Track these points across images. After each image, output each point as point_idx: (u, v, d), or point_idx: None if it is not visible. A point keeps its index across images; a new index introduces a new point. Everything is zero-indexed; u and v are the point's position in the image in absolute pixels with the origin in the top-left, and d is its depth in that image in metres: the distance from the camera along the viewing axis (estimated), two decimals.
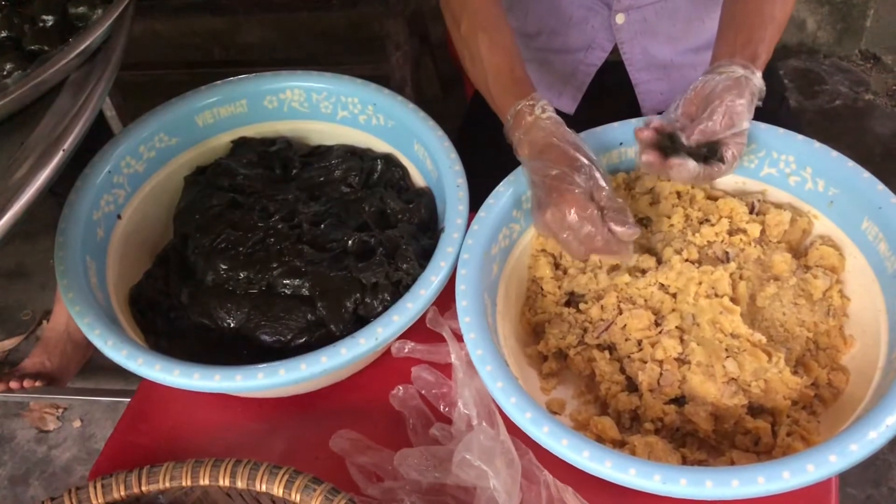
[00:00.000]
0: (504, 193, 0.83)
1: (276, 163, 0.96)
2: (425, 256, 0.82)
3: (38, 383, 1.56)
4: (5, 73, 0.73)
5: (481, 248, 0.79)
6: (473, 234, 0.80)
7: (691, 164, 0.76)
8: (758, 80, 0.79)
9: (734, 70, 0.78)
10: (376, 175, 0.95)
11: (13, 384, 1.55)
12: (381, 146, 0.98)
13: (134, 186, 0.91)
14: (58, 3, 0.79)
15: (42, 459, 1.59)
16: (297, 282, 0.81)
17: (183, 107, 0.94)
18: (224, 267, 0.81)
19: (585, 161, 0.77)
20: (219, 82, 0.96)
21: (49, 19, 0.78)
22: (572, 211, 0.74)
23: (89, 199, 0.85)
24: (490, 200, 0.83)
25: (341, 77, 0.97)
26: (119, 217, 0.89)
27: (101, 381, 1.69)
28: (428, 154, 0.90)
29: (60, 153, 0.68)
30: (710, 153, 0.77)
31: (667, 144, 0.79)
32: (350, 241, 0.84)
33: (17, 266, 1.95)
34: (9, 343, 1.80)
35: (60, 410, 1.67)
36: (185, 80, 2.18)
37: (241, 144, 0.97)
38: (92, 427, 1.64)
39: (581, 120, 1.04)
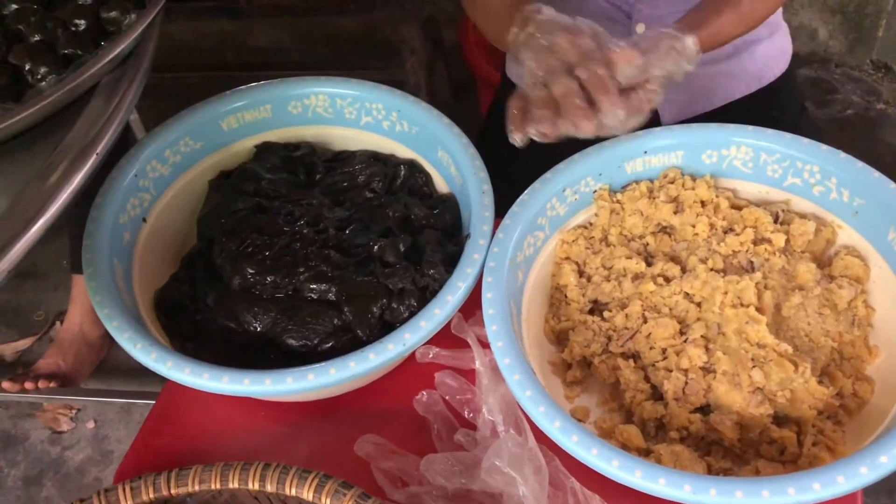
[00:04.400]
0: (530, 201, 0.84)
1: (300, 168, 0.96)
2: (450, 263, 0.83)
3: (52, 384, 1.57)
4: (39, 76, 0.74)
5: (507, 256, 0.79)
6: (499, 242, 0.80)
7: (605, 105, 0.73)
8: (689, 41, 0.76)
9: (666, 30, 0.77)
10: (399, 181, 0.95)
11: (28, 385, 1.55)
12: (404, 152, 0.98)
13: (159, 190, 0.92)
14: (90, 7, 0.79)
15: (55, 460, 1.60)
16: (323, 286, 0.81)
17: (208, 111, 0.94)
18: (251, 271, 0.82)
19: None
20: (243, 87, 0.96)
21: (82, 23, 0.78)
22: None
23: (116, 202, 0.85)
24: (515, 208, 0.83)
25: (366, 83, 0.97)
26: (144, 220, 0.90)
27: (115, 383, 1.70)
28: (452, 160, 0.90)
29: (94, 157, 0.69)
30: None
31: None
32: (376, 247, 0.84)
33: (30, 267, 1.96)
34: (22, 343, 1.81)
35: (74, 411, 1.67)
36: (198, 82, 2.20)
37: (264, 149, 0.98)
38: (105, 428, 1.64)
39: None
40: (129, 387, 1.67)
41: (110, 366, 1.73)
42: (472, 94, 2.04)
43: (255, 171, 0.94)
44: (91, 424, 1.65)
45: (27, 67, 0.75)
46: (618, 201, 0.88)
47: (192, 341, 0.82)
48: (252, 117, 0.97)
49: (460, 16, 1.85)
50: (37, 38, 0.78)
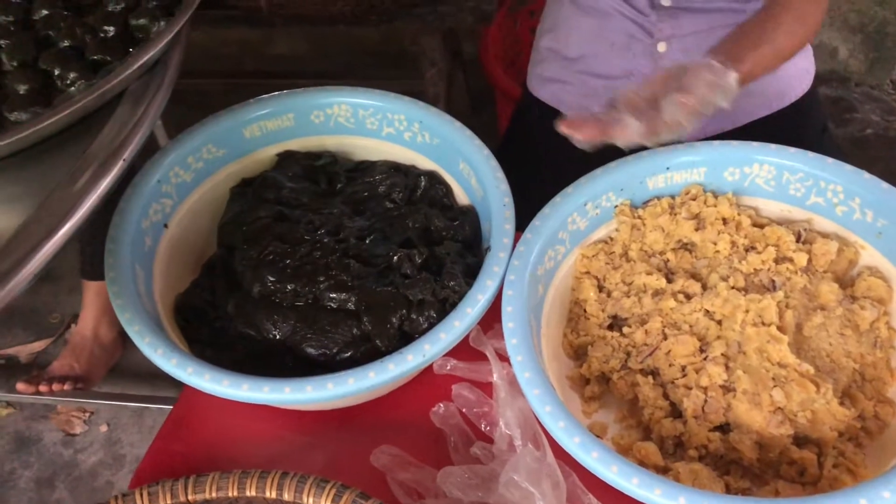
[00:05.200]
0: (551, 215, 0.84)
1: (322, 177, 0.96)
2: (469, 275, 0.83)
3: (66, 386, 1.57)
4: (69, 81, 0.74)
5: (528, 269, 0.79)
6: (520, 255, 0.80)
7: (631, 120, 0.74)
8: (731, 77, 0.77)
9: (708, 61, 0.77)
10: (419, 192, 0.95)
11: (42, 387, 1.56)
12: (424, 163, 0.98)
13: (181, 196, 0.92)
14: (119, 14, 0.80)
15: (68, 463, 1.60)
16: (343, 296, 0.81)
17: (231, 119, 0.95)
18: (271, 279, 0.82)
19: None
20: (266, 96, 0.97)
21: (110, 30, 0.79)
22: None
23: (139, 207, 0.86)
24: (536, 222, 0.83)
25: (388, 94, 0.97)
26: (166, 226, 0.90)
27: (128, 387, 1.70)
28: (473, 172, 0.90)
29: (121, 163, 0.69)
30: None
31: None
32: (395, 257, 0.84)
33: (46, 269, 1.97)
34: (37, 346, 1.82)
35: (87, 414, 1.68)
36: (217, 89, 2.21)
37: (286, 158, 0.98)
38: (118, 432, 1.64)
39: None
40: (143, 391, 1.68)
41: (124, 369, 1.73)
42: (491, 105, 2.04)
43: (276, 179, 0.94)
44: (104, 428, 1.66)
45: (57, 73, 0.76)
46: (639, 217, 0.88)
47: (211, 347, 0.82)
48: (274, 126, 0.98)
49: (480, 28, 1.85)
50: (66, 43, 0.78)
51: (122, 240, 0.83)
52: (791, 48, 0.87)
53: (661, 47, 1.04)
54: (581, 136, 0.76)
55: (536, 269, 0.80)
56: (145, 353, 0.75)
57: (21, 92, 0.74)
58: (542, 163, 1.13)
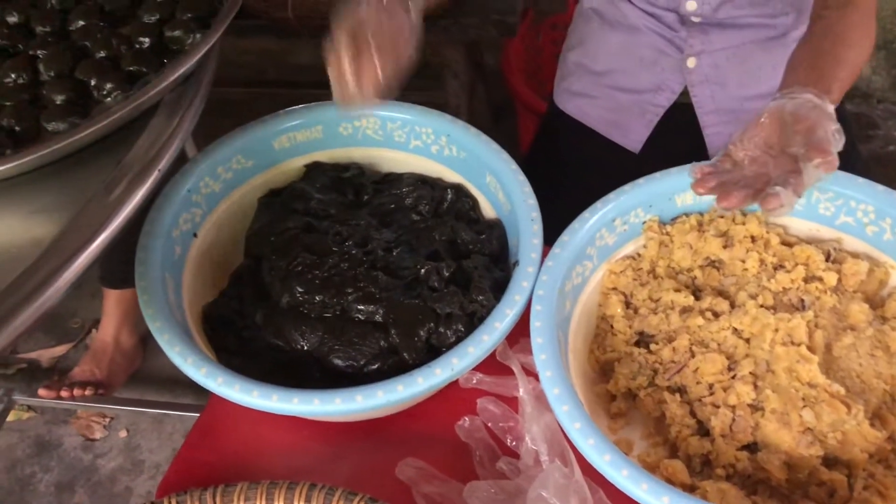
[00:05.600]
0: (579, 230, 0.83)
1: (349, 188, 0.97)
2: (496, 289, 0.83)
3: (87, 392, 1.58)
4: (105, 92, 0.75)
5: (556, 285, 0.79)
6: (548, 270, 0.80)
7: (785, 192, 0.71)
8: (833, 115, 0.75)
9: (808, 97, 0.74)
10: (446, 204, 0.96)
11: (63, 392, 1.57)
12: (451, 176, 0.99)
13: (210, 206, 0.93)
14: (154, 26, 0.81)
15: (88, 467, 1.61)
16: (371, 308, 0.81)
17: (261, 130, 0.96)
18: (300, 290, 0.82)
19: None
20: (296, 107, 0.98)
21: (145, 41, 0.80)
22: None
23: (170, 216, 0.86)
24: (564, 237, 0.83)
25: (416, 107, 0.98)
26: (195, 235, 0.91)
27: (148, 393, 1.71)
28: (500, 186, 0.91)
29: (156, 173, 0.70)
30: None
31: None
32: (423, 270, 0.84)
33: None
34: (58, 350, 1.83)
35: (107, 420, 1.69)
36: (239, 98, 2.22)
37: (314, 169, 0.99)
38: (137, 438, 1.65)
39: (648, 159, 1.05)
40: (162, 397, 1.69)
41: (144, 376, 1.74)
42: (511, 117, 2.05)
43: (304, 190, 0.94)
44: (123, 433, 1.66)
45: (93, 83, 0.77)
46: (667, 233, 0.88)
47: (238, 357, 0.82)
48: (303, 137, 0.98)
49: (503, 40, 1.86)
50: (102, 54, 0.79)
51: (152, 248, 0.83)
52: (862, 66, 0.85)
53: (691, 62, 1.04)
54: (728, 205, 0.73)
55: (564, 285, 0.80)
56: (175, 362, 0.75)
57: (58, 102, 0.75)
58: (568, 177, 1.13)
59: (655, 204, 0.87)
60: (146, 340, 1.77)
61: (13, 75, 0.78)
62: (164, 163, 0.71)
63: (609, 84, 1.12)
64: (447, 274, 0.84)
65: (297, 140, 0.98)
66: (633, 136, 1.12)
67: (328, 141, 0.99)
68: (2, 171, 0.68)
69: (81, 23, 0.83)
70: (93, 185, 0.70)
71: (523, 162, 1.22)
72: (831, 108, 0.75)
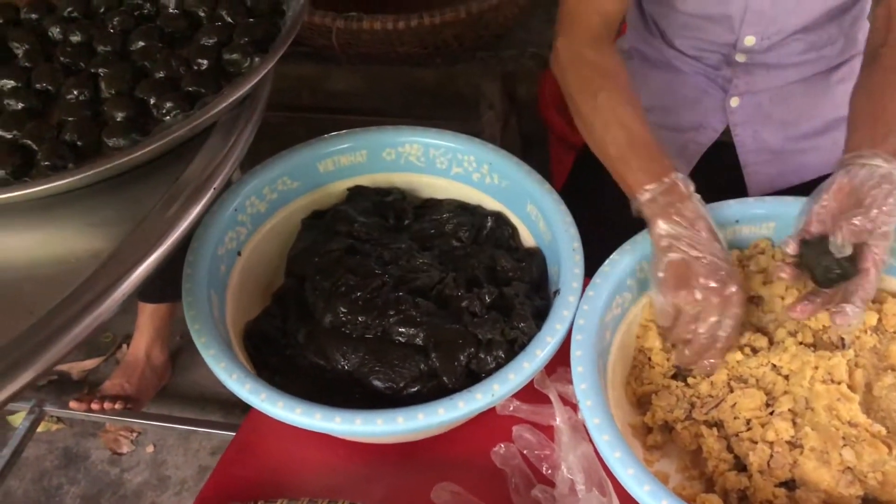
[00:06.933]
0: (620, 261, 0.84)
1: (391, 212, 0.98)
2: (537, 317, 0.84)
3: (117, 405, 1.60)
4: (164, 111, 0.77)
5: (597, 315, 0.80)
6: (589, 300, 0.81)
7: (850, 309, 0.73)
8: None
9: (878, 163, 0.74)
10: (486, 232, 0.97)
11: (94, 405, 1.59)
12: (491, 204, 1.00)
13: (255, 226, 0.95)
14: (212, 48, 0.83)
15: (114, 481, 1.62)
16: (412, 331, 0.82)
17: (307, 153, 0.98)
18: (343, 310, 0.84)
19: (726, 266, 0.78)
20: (342, 132, 1.00)
21: (204, 63, 0.82)
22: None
23: (216, 234, 0.88)
24: (605, 268, 0.84)
25: (459, 135, 1.00)
26: (239, 254, 0.93)
27: (176, 409, 1.72)
28: (542, 215, 0.92)
29: (211, 191, 0.72)
30: (850, 259, 0.74)
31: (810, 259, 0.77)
32: (465, 300, 0.85)
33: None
34: (89, 363, 1.85)
35: (135, 434, 1.70)
36: (275, 121, 2.25)
37: (356, 192, 1.01)
38: (164, 453, 1.66)
39: None
40: (190, 414, 1.70)
41: (171, 392, 1.76)
42: (540, 149, 2.06)
43: (348, 213, 0.96)
44: (150, 448, 1.68)
45: (152, 102, 0.79)
46: None
47: (279, 374, 0.84)
48: (348, 161, 1.00)
49: (539, 72, 1.88)
50: (161, 74, 0.82)
51: (199, 265, 0.85)
52: None
53: (734, 102, 1.05)
54: (796, 316, 0.78)
55: (605, 315, 0.81)
56: (220, 377, 0.76)
57: (119, 119, 0.77)
58: (606, 208, 1.14)
59: None
60: (175, 357, 1.79)
61: (75, 92, 0.80)
62: (219, 181, 0.73)
63: (651, 121, 1.12)
64: (489, 300, 0.85)
65: (341, 163, 1.00)
66: None
67: (371, 165, 1.01)
68: (64, 185, 0.70)
69: (142, 43, 0.85)
70: (149, 201, 0.72)
71: (560, 191, 1.24)
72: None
